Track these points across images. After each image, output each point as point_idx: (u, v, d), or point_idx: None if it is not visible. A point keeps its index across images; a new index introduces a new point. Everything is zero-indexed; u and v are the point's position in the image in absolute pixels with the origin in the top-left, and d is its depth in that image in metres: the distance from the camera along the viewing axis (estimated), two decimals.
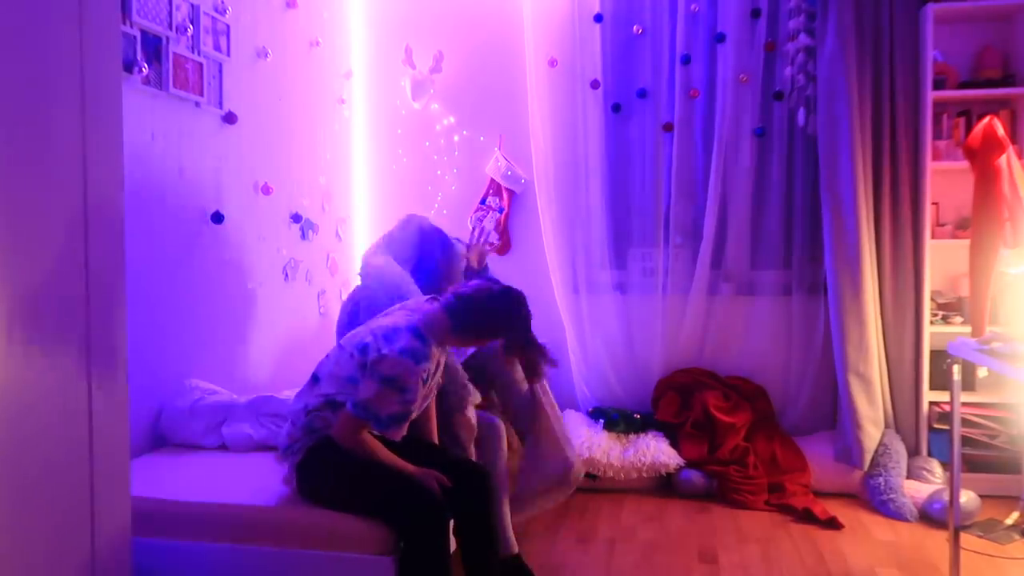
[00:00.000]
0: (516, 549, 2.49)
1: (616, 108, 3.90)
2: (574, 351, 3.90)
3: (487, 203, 4.05)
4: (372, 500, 2.00)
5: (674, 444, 3.51)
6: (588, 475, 2.83)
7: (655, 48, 3.83)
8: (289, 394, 2.68)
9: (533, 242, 3.98)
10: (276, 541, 2.00)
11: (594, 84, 3.86)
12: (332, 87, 3.86)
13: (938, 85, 3.39)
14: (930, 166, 3.36)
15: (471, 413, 2.47)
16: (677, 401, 3.67)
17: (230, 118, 2.95)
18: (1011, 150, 2.48)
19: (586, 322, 3.91)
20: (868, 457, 3.29)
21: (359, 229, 4.13)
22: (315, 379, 2.15)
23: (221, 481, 2.25)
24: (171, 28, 2.61)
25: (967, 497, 3.00)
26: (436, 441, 2.36)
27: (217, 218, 2.86)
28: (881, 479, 3.22)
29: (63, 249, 1.35)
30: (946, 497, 2.90)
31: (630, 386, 3.88)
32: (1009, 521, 3.00)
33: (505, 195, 4.02)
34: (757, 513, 3.21)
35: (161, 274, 2.60)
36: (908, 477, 3.29)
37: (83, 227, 1.37)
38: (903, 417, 3.44)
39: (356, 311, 2.65)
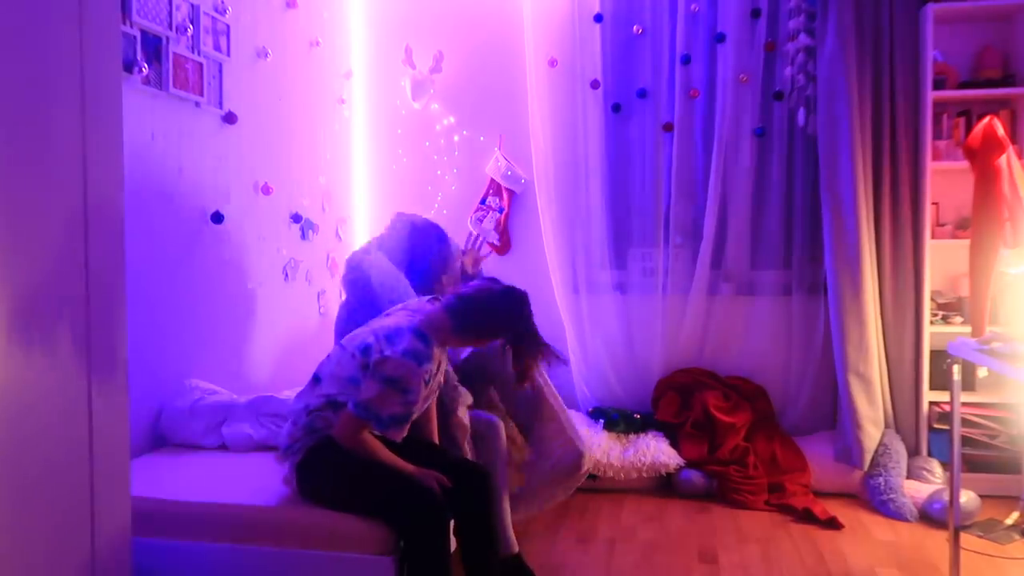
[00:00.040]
0: (516, 548, 2.49)
1: (616, 108, 3.90)
2: (574, 351, 3.89)
3: (487, 203, 4.05)
4: (372, 500, 2.00)
5: (674, 444, 3.51)
6: (588, 475, 2.84)
7: (655, 48, 3.83)
8: (289, 394, 2.68)
9: (533, 242, 3.98)
10: (276, 541, 2.00)
11: (594, 84, 3.86)
12: (332, 87, 3.86)
13: (938, 85, 3.39)
14: (930, 166, 3.36)
15: (463, 413, 2.47)
16: (677, 401, 3.67)
17: (230, 118, 2.95)
18: (1011, 150, 2.48)
19: (586, 322, 3.91)
20: (868, 457, 3.29)
21: (359, 229, 4.12)
22: (316, 379, 2.15)
23: (221, 481, 2.25)
24: (171, 28, 2.61)
25: (967, 497, 3.00)
26: (436, 441, 2.36)
27: (217, 218, 2.86)
28: (881, 479, 3.22)
29: (63, 249, 1.35)
30: (946, 497, 2.90)
31: (630, 386, 3.88)
32: (1009, 521, 3.00)
33: (505, 195, 4.02)
34: (757, 513, 3.21)
35: (161, 274, 2.60)
36: (908, 477, 3.29)
37: (83, 227, 1.37)
38: (903, 417, 3.44)
39: (353, 314, 2.65)
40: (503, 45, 4.00)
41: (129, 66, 2.41)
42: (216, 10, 2.89)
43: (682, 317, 3.82)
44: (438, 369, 2.18)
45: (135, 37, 2.44)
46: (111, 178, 1.44)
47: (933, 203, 3.43)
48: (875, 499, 3.22)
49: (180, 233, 2.71)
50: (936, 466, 3.33)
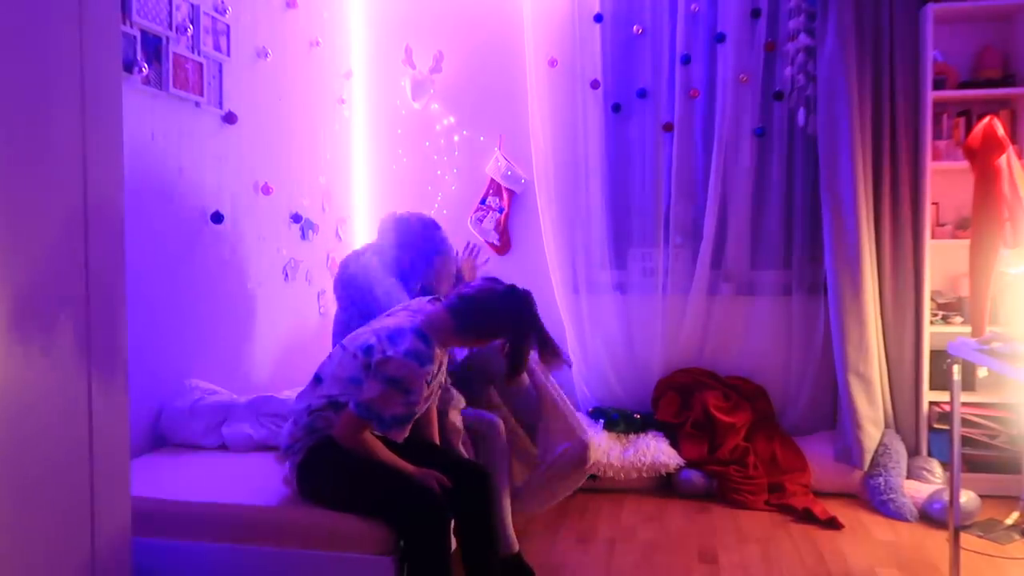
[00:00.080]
0: (517, 547, 2.49)
1: (616, 108, 3.90)
2: (574, 351, 3.89)
3: (487, 203, 4.05)
4: (373, 500, 2.00)
5: (674, 444, 3.51)
6: (589, 475, 2.84)
7: (655, 48, 3.83)
8: (289, 394, 2.68)
9: (533, 242, 3.98)
10: (276, 541, 2.00)
11: (594, 84, 3.86)
12: (332, 87, 3.86)
13: (938, 85, 3.39)
14: (930, 166, 3.36)
15: (455, 416, 2.48)
16: (677, 401, 3.67)
17: (230, 118, 2.95)
18: (1011, 150, 2.48)
19: (586, 322, 3.91)
20: (868, 457, 3.29)
21: (359, 229, 4.13)
22: (317, 380, 2.15)
23: (221, 481, 2.25)
24: (171, 28, 2.61)
25: (967, 497, 3.00)
26: (437, 441, 2.36)
27: (217, 218, 2.86)
28: (881, 479, 3.22)
29: (63, 249, 1.35)
30: (946, 497, 2.90)
31: (630, 386, 3.88)
32: (1009, 521, 3.00)
33: (505, 195, 4.02)
34: (757, 513, 3.21)
35: (161, 274, 2.60)
36: (908, 477, 3.29)
37: (83, 227, 1.37)
38: (903, 417, 3.44)
39: (344, 313, 2.66)
40: (503, 45, 4.00)
41: (129, 66, 2.41)
42: (216, 10, 2.89)
43: (682, 317, 3.82)
44: (439, 369, 2.18)
45: (135, 37, 2.44)
46: (111, 178, 1.44)
47: (933, 203, 3.43)
48: (875, 499, 3.22)
49: (180, 233, 2.71)
50: (936, 466, 3.33)
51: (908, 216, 3.40)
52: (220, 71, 2.91)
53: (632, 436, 3.55)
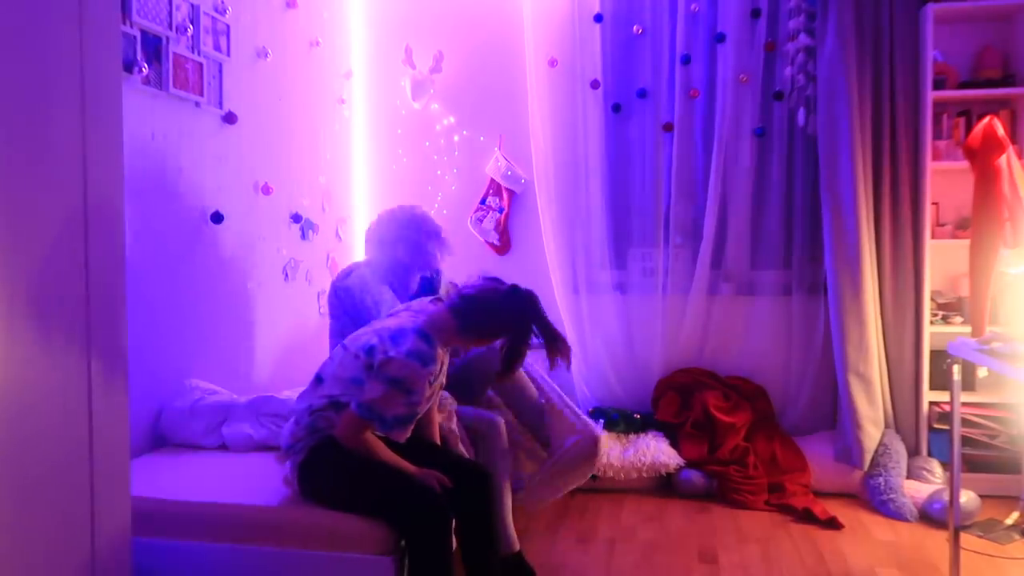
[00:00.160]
0: (518, 547, 2.49)
1: (616, 108, 3.90)
2: (574, 351, 3.84)
3: (487, 203, 4.05)
4: (374, 500, 2.00)
5: (674, 444, 3.51)
6: (590, 476, 2.85)
7: (655, 48, 3.83)
8: (289, 394, 2.68)
9: (533, 242, 3.98)
10: (276, 541, 2.00)
11: (594, 84, 3.86)
12: (332, 87, 3.86)
13: (938, 85, 3.39)
14: (930, 166, 3.36)
15: (447, 419, 2.48)
16: (677, 401, 3.67)
17: (230, 118, 2.95)
18: (1011, 150, 2.48)
19: (586, 322, 3.91)
20: (868, 457, 3.29)
21: (359, 229, 4.12)
22: (318, 380, 2.15)
23: (221, 481, 2.25)
24: (171, 28, 2.61)
25: (967, 497, 3.00)
26: (438, 441, 2.36)
27: (217, 218, 2.86)
28: (881, 479, 3.22)
29: (63, 249, 1.35)
30: (946, 497, 2.90)
31: (630, 386, 3.88)
32: (1009, 521, 3.00)
33: (505, 195, 4.02)
34: (757, 513, 3.21)
35: (161, 274, 2.60)
36: (908, 477, 3.29)
37: (83, 227, 1.37)
38: (903, 417, 3.44)
39: (338, 321, 2.68)
40: (503, 45, 4.00)
41: (129, 66, 2.41)
42: (216, 10, 2.89)
43: (682, 317, 3.82)
44: (441, 369, 2.18)
45: (135, 37, 2.44)
46: (111, 178, 1.44)
47: (933, 203, 3.43)
48: (875, 499, 3.22)
49: (180, 233, 2.71)
50: (936, 466, 3.33)
51: (908, 216, 3.40)
52: (220, 71, 2.91)
53: (632, 436, 3.55)
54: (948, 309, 3.51)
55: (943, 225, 3.54)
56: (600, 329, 3.91)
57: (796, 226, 3.69)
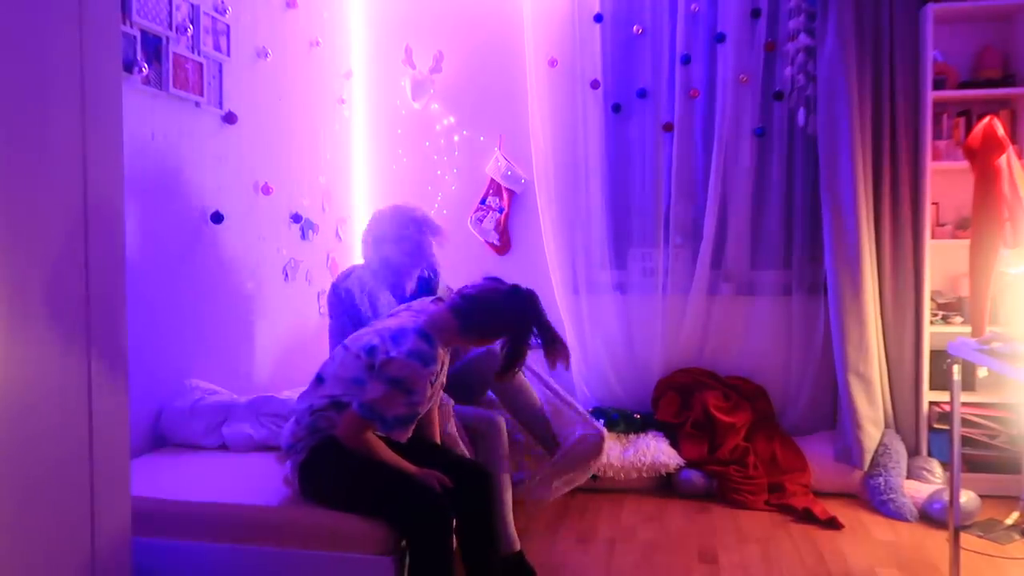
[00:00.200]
0: (518, 546, 2.49)
1: (616, 108, 3.90)
2: (574, 351, 3.89)
3: (487, 203, 4.05)
4: (375, 500, 2.00)
5: (674, 444, 3.51)
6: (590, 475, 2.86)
7: (655, 48, 3.83)
8: (289, 394, 2.68)
9: (533, 242, 3.98)
10: (276, 541, 2.00)
11: (594, 84, 3.86)
12: (332, 87, 3.86)
13: (938, 85, 3.39)
14: (930, 166, 3.36)
15: (448, 421, 2.48)
16: (677, 401, 3.67)
17: (230, 118, 2.95)
18: (1011, 150, 2.48)
19: (586, 322, 3.91)
20: (868, 457, 3.29)
21: (359, 229, 4.11)
22: (319, 380, 2.15)
23: (221, 481, 2.25)
24: (171, 28, 2.61)
25: (967, 497, 3.00)
26: (438, 441, 2.37)
27: (217, 218, 2.86)
28: (881, 479, 3.22)
29: (63, 249, 1.35)
30: (946, 497, 2.90)
31: (630, 386, 3.88)
32: (1009, 521, 3.00)
33: (505, 195, 4.02)
34: (757, 513, 3.21)
35: (161, 274, 2.60)
36: (908, 477, 3.29)
37: (83, 227, 1.37)
38: (903, 417, 3.44)
39: (343, 327, 2.68)
40: (503, 45, 4.00)
41: (129, 66, 2.41)
42: (216, 10, 2.89)
43: (682, 317, 3.82)
44: (442, 369, 2.18)
45: (135, 37, 2.44)
46: (111, 178, 1.44)
47: (933, 203, 3.43)
48: (875, 499, 3.22)
49: (180, 233, 2.71)
50: (936, 466, 3.33)
51: (908, 216, 3.40)
52: (220, 71, 2.91)
53: (632, 436, 3.55)
54: (948, 309, 3.51)
55: (943, 225, 3.54)
56: (600, 329, 3.91)
57: (796, 226, 3.69)
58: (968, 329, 2.77)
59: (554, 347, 2.11)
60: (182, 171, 2.71)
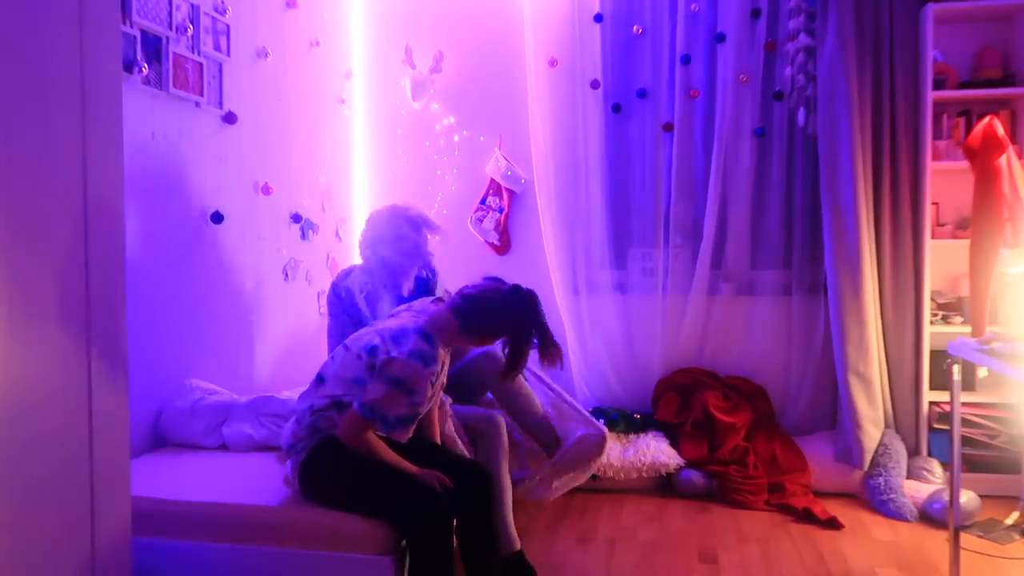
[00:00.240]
0: (518, 546, 2.49)
1: (616, 108, 3.90)
2: (574, 351, 3.89)
3: (487, 203, 4.05)
4: (375, 500, 2.00)
5: (674, 444, 3.51)
6: (590, 475, 2.87)
7: (655, 48, 3.84)
8: (289, 394, 2.68)
9: (533, 242, 3.98)
10: (276, 541, 2.00)
11: (594, 84, 3.86)
12: (332, 87, 3.86)
13: (938, 85, 3.39)
14: (930, 166, 3.36)
15: (446, 420, 2.48)
16: (677, 401, 3.67)
17: (230, 118, 2.95)
18: (1011, 150, 2.48)
19: (586, 322, 3.91)
20: (868, 457, 3.29)
21: (359, 229, 4.11)
22: (320, 380, 2.15)
23: (221, 481, 2.25)
24: (171, 28, 2.61)
25: (967, 497, 3.00)
26: (438, 441, 2.37)
27: (217, 218, 2.86)
28: (881, 479, 3.22)
29: (63, 249, 1.35)
30: (946, 497, 2.90)
31: (630, 386, 3.88)
32: (1009, 521, 3.00)
33: (505, 195, 4.02)
34: (757, 513, 3.21)
35: (161, 274, 2.60)
36: (908, 477, 3.29)
37: (83, 227, 1.37)
38: (903, 417, 3.44)
39: (342, 327, 2.68)
40: (503, 45, 4.00)
41: (129, 66, 2.41)
42: (216, 10, 2.89)
43: (682, 317, 3.82)
44: (442, 369, 2.18)
45: (135, 37, 2.44)
46: (111, 178, 1.44)
47: (933, 203, 3.43)
48: (875, 499, 3.22)
49: (180, 233, 2.71)
50: (936, 466, 3.33)
51: (908, 216, 3.40)
52: (220, 71, 2.91)
53: (632, 436, 3.55)
54: (948, 309, 3.51)
55: (943, 225, 3.54)
56: (600, 329, 3.91)
57: (796, 226, 3.69)
58: (968, 329, 2.77)
59: (549, 349, 2.12)
60: (182, 171, 2.71)
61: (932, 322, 3.42)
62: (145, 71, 2.47)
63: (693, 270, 3.79)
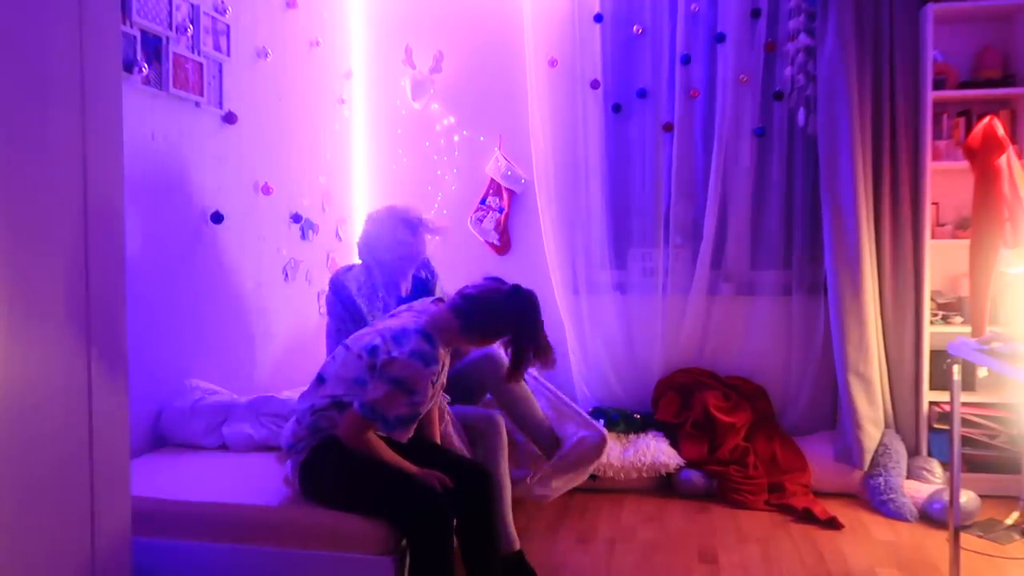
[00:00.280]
0: (518, 546, 2.49)
1: (616, 108, 3.90)
2: (574, 351, 3.89)
3: (487, 203, 4.05)
4: (376, 500, 2.00)
5: (674, 444, 3.51)
6: (589, 475, 2.86)
7: (655, 48, 3.83)
8: (289, 394, 2.68)
9: (533, 242, 3.98)
10: (276, 541, 2.00)
11: (594, 84, 3.86)
12: (332, 87, 3.86)
13: (938, 85, 3.39)
14: (930, 166, 3.36)
15: (443, 419, 2.49)
16: (677, 401, 3.67)
17: (230, 118, 2.95)
18: (1011, 150, 2.48)
19: (586, 322, 3.91)
20: (868, 457, 3.29)
21: (359, 229, 4.11)
22: (320, 380, 2.15)
23: (221, 481, 2.25)
24: (171, 28, 2.61)
25: (967, 497, 3.00)
26: (438, 441, 2.37)
27: (217, 218, 2.86)
28: (881, 479, 3.22)
29: (63, 249, 1.35)
30: (946, 497, 2.90)
31: (630, 386, 3.88)
32: (1009, 521, 3.00)
33: (505, 195, 4.02)
34: (757, 513, 3.21)
35: (161, 274, 2.60)
36: (908, 477, 3.29)
37: (83, 227, 1.37)
38: (903, 417, 3.44)
39: (340, 324, 2.67)
40: (503, 45, 4.00)
41: (129, 66, 2.41)
42: (216, 10, 2.89)
43: (682, 317, 3.82)
44: (442, 369, 2.19)
45: (135, 37, 2.44)
46: (111, 178, 1.44)
47: (933, 203, 3.43)
48: (875, 499, 3.22)
49: (180, 233, 2.71)
50: (936, 466, 3.33)
51: (908, 216, 3.40)
52: (220, 71, 2.91)
53: (632, 436, 3.55)
54: (948, 309, 3.51)
55: (943, 225, 3.54)
56: (600, 329, 3.91)
57: (796, 226, 3.69)
58: (968, 329, 2.77)
59: (544, 351, 2.12)
60: (182, 171, 2.71)
61: (932, 322, 3.42)
62: (145, 71, 2.47)
63: (693, 270, 3.79)
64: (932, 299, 3.45)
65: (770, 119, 3.72)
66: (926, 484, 3.24)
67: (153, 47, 2.54)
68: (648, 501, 3.35)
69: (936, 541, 2.90)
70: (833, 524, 3.03)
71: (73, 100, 1.36)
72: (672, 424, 3.59)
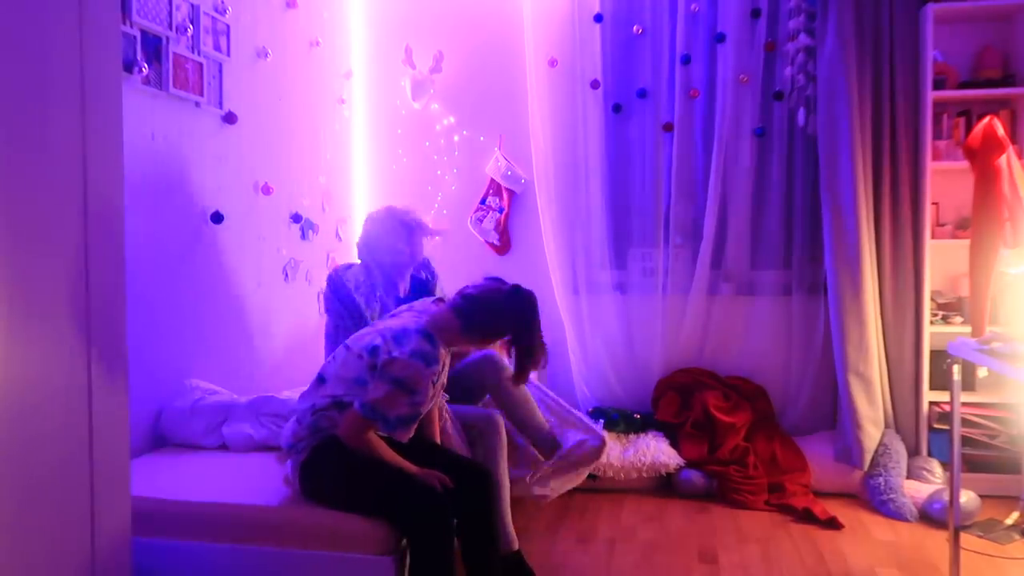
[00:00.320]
0: (516, 545, 2.49)
1: (616, 108, 3.90)
2: (574, 351, 3.89)
3: (487, 203, 4.05)
4: (376, 499, 2.00)
5: (674, 444, 3.51)
6: (589, 475, 2.87)
7: (655, 48, 3.84)
8: (289, 394, 2.68)
9: (533, 242, 3.98)
10: (276, 541, 2.00)
11: (594, 84, 3.86)
12: (332, 87, 3.86)
13: (938, 85, 3.39)
14: (930, 166, 3.36)
15: (442, 418, 2.49)
16: (677, 401, 3.67)
17: (230, 118, 2.95)
18: (1011, 150, 2.48)
19: (586, 322, 3.91)
20: (868, 457, 3.29)
21: (359, 229, 4.11)
22: (320, 380, 2.15)
23: (221, 481, 2.25)
24: (171, 28, 2.61)
25: (967, 497, 3.00)
26: (438, 441, 2.37)
27: (217, 218, 2.86)
28: (881, 479, 3.22)
29: (63, 249, 1.35)
30: (946, 497, 2.90)
31: (630, 386, 3.88)
32: (1009, 521, 3.00)
33: (505, 195, 4.02)
34: (757, 513, 3.21)
35: (161, 274, 2.60)
36: (908, 477, 3.29)
37: (83, 227, 1.37)
38: (903, 417, 3.44)
39: (338, 323, 2.67)
40: (503, 45, 4.00)
41: (129, 66, 2.41)
42: (216, 10, 2.89)
43: (682, 317, 3.82)
44: (443, 369, 2.19)
45: (135, 37, 2.44)
46: (111, 178, 1.44)
47: (933, 203, 3.43)
48: (875, 499, 3.22)
49: (180, 233, 2.71)
50: (936, 466, 3.33)
51: (908, 216, 3.40)
52: (220, 71, 2.91)
53: (632, 436, 3.55)
54: (948, 309, 3.51)
55: (943, 225, 3.54)
56: (600, 329, 3.91)
57: (796, 226, 3.69)
58: (968, 329, 2.77)
59: (539, 351, 2.13)
60: (182, 171, 2.71)
61: (932, 322, 3.42)
62: (145, 71, 2.47)
63: (693, 270, 3.79)
64: (932, 299, 3.45)
65: (770, 119, 3.72)
66: (926, 484, 3.24)
67: (153, 47, 2.54)
68: (648, 501, 3.35)
69: (936, 541, 2.90)
70: (833, 524, 3.03)
71: (73, 100, 1.36)
72: (672, 424, 3.59)
